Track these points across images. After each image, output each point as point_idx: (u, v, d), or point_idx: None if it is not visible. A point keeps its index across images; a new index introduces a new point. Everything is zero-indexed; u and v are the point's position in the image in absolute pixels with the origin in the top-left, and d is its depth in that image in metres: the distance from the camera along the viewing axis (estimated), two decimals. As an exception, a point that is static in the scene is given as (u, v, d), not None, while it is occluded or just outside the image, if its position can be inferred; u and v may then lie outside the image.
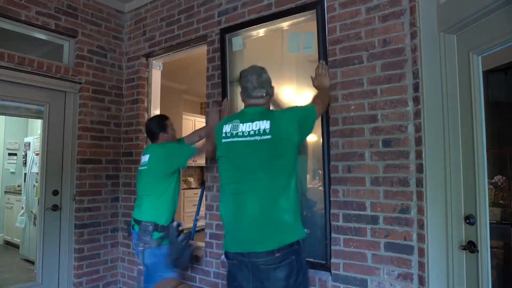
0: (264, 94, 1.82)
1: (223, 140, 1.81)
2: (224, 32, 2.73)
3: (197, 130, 2.88)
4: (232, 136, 1.77)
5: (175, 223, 2.34)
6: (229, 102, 2.65)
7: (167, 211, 2.32)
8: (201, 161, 7.37)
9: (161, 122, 2.48)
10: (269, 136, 1.67)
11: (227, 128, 1.81)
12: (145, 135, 3.32)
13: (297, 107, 1.85)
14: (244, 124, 1.75)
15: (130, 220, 2.45)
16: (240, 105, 2.75)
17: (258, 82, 1.80)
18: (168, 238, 2.30)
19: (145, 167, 2.35)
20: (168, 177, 2.33)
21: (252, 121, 1.73)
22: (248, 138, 1.71)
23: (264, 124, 1.70)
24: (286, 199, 1.67)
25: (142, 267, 2.27)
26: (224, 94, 2.70)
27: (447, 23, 1.66)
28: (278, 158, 1.68)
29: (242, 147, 1.72)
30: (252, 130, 1.72)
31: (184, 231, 2.41)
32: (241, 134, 1.74)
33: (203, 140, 2.62)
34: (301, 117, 1.74)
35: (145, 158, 2.39)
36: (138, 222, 2.29)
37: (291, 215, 1.68)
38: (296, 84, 2.54)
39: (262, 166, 1.68)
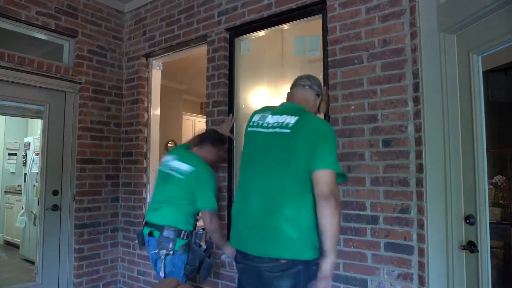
0: (308, 86, 1.75)
1: (248, 129, 1.71)
2: (234, 36, 2.75)
3: None
4: (257, 126, 1.66)
5: (200, 231, 2.19)
6: (234, 120, 2.65)
7: (191, 216, 2.16)
8: (201, 161, 7.36)
9: (220, 139, 2.35)
10: (288, 131, 1.52)
11: (256, 117, 1.71)
12: (145, 135, 3.33)
13: (330, 143, 1.53)
14: (274, 116, 1.63)
15: (139, 229, 2.27)
16: (244, 115, 2.76)
17: (307, 76, 1.81)
18: (189, 246, 2.15)
19: (179, 176, 2.14)
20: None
21: (282, 114, 1.61)
22: (270, 130, 1.59)
23: (291, 119, 1.55)
24: (294, 208, 1.47)
25: (162, 275, 2.07)
26: (231, 100, 2.71)
27: (447, 23, 1.66)
28: (292, 158, 1.50)
29: (262, 138, 1.61)
30: (276, 122, 1.59)
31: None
32: (265, 125, 1.63)
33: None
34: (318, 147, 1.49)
35: (179, 165, 2.18)
36: (158, 227, 2.11)
37: (296, 229, 1.46)
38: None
39: (275, 163, 1.53)
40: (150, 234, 2.15)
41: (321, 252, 1.49)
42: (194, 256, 2.13)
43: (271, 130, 1.59)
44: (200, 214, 2.19)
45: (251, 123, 1.72)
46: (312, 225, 1.48)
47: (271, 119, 1.63)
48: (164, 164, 2.28)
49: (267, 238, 1.49)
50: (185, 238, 2.12)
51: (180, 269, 2.11)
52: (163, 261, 2.08)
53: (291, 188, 1.50)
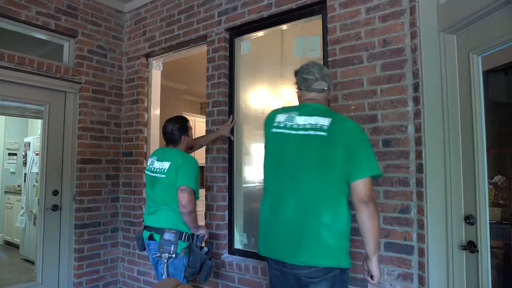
0: (326, 88, 1.63)
1: (273, 130, 1.59)
2: (234, 36, 2.75)
3: (201, 136, 2.64)
4: (285, 127, 1.56)
5: (201, 231, 2.15)
6: (235, 121, 2.66)
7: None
8: (201, 160, 7.38)
9: (184, 123, 2.30)
10: (325, 133, 1.47)
11: (281, 117, 1.59)
12: (145, 135, 3.33)
13: (366, 145, 1.51)
14: (302, 117, 1.55)
15: (139, 235, 2.23)
16: (244, 115, 2.76)
17: (320, 74, 1.63)
18: (190, 248, 2.12)
19: (163, 176, 2.14)
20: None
21: (311, 115, 1.53)
22: (301, 132, 1.51)
23: (324, 121, 1.50)
24: (332, 214, 1.44)
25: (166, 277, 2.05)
26: (231, 100, 2.71)
27: (447, 23, 1.66)
28: (330, 162, 1.46)
29: (293, 141, 1.52)
30: (308, 123, 1.51)
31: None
32: (295, 126, 1.53)
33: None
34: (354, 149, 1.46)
35: (162, 165, 2.17)
36: (158, 230, 2.08)
37: (333, 236, 1.44)
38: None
39: (310, 166, 1.47)
40: (150, 237, 2.13)
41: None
42: (195, 258, 2.11)
43: (302, 132, 1.51)
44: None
45: (275, 124, 1.60)
46: (348, 231, 1.49)
47: (300, 120, 1.54)
48: (148, 168, 2.27)
49: (305, 245, 1.45)
50: (186, 240, 2.10)
51: (181, 272, 2.09)
52: (165, 264, 2.04)
53: (329, 193, 1.46)
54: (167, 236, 2.05)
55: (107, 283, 3.27)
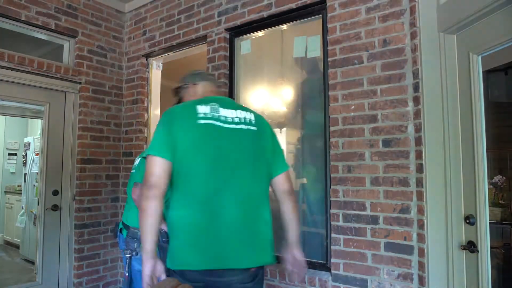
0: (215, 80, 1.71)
1: (200, 121, 1.36)
2: (234, 36, 2.75)
3: None
4: (213, 118, 1.39)
5: (163, 227, 2.06)
6: None
7: None
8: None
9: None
10: (255, 128, 1.45)
11: (204, 108, 1.40)
12: (145, 135, 3.33)
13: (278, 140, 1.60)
14: (226, 109, 1.44)
15: (118, 221, 2.29)
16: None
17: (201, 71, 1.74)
18: (158, 246, 2.15)
19: (133, 171, 2.23)
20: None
21: (235, 109, 1.46)
22: (233, 126, 1.41)
23: (249, 115, 1.48)
24: (267, 210, 1.44)
25: (126, 273, 2.10)
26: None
27: (447, 23, 1.66)
28: (263, 157, 1.45)
29: (227, 135, 1.39)
30: (237, 117, 1.43)
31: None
32: (223, 119, 1.40)
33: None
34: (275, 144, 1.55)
35: (136, 161, 2.26)
36: (126, 227, 2.14)
37: (271, 231, 1.44)
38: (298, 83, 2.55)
39: (246, 163, 1.39)
40: (121, 230, 2.20)
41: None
42: (164, 254, 2.08)
43: (234, 126, 1.41)
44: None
45: (200, 115, 1.38)
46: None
47: (225, 112, 1.42)
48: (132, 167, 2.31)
49: (255, 245, 1.38)
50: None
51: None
52: (127, 260, 2.08)
53: (264, 189, 1.47)
54: (131, 233, 2.07)
55: (107, 283, 3.27)
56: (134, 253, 2.06)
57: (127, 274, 2.10)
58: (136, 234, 2.05)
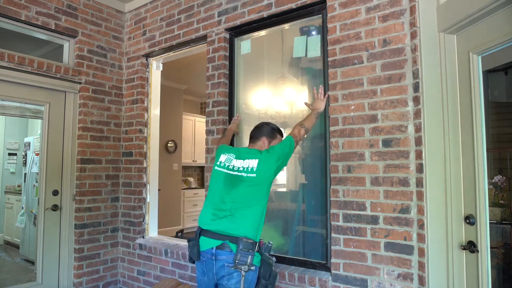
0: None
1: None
2: (234, 36, 2.76)
3: (223, 137, 2.54)
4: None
5: (270, 243, 1.88)
6: (239, 118, 2.67)
7: (262, 225, 1.92)
8: (201, 160, 7.41)
9: (277, 131, 2.13)
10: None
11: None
12: (145, 135, 3.33)
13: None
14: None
15: (190, 237, 1.99)
16: (244, 115, 2.76)
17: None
18: (261, 259, 1.87)
19: (247, 175, 1.92)
20: (270, 185, 1.95)
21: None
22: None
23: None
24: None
25: None
26: (231, 100, 2.72)
27: (447, 23, 1.66)
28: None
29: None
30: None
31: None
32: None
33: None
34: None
35: (243, 163, 1.96)
36: (233, 239, 1.81)
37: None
38: (298, 83, 2.55)
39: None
40: (220, 247, 1.85)
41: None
42: (265, 269, 1.88)
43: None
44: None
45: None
46: None
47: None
48: (223, 165, 2.03)
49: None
50: (258, 251, 1.86)
51: (253, 286, 1.87)
52: (243, 277, 1.78)
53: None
54: (245, 245, 1.78)
55: (107, 283, 3.27)
56: (248, 268, 1.77)
57: None
58: (251, 246, 1.79)
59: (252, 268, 1.78)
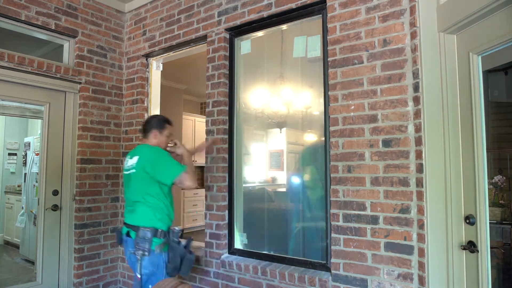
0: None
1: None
2: (234, 36, 2.76)
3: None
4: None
5: (177, 228, 2.19)
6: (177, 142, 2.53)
7: (166, 215, 2.18)
8: (201, 160, 7.41)
9: (162, 121, 2.32)
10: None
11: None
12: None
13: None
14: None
15: (119, 226, 2.29)
16: (244, 115, 2.76)
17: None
18: (168, 245, 2.17)
19: (133, 170, 2.17)
20: (159, 181, 2.16)
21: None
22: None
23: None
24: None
25: (138, 275, 2.09)
26: (231, 100, 2.73)
27: (447, 23, 1.66)
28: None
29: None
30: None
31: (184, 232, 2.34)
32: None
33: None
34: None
35: (133, 161, 2.20)
36: (134, 228, 2.13)
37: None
38: (297, 83, 2.55)
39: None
40: (128, 234, 2.19)
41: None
42: (174, 254, 2.16)
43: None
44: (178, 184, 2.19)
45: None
46: None
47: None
48: (124, 168, 2.31)
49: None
50: (161, 237, 2.13)
51: (162, 269, 2.13)
52: (139, 262, 2.08)
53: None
54: (142, 233, 2.08)
55: (107, 283, 3.27)
56: (147, 253, 2.07)
57: (139, 276, 2.09)
58: (147, 234, 2.07)
59: (146, 253, 2.06)
